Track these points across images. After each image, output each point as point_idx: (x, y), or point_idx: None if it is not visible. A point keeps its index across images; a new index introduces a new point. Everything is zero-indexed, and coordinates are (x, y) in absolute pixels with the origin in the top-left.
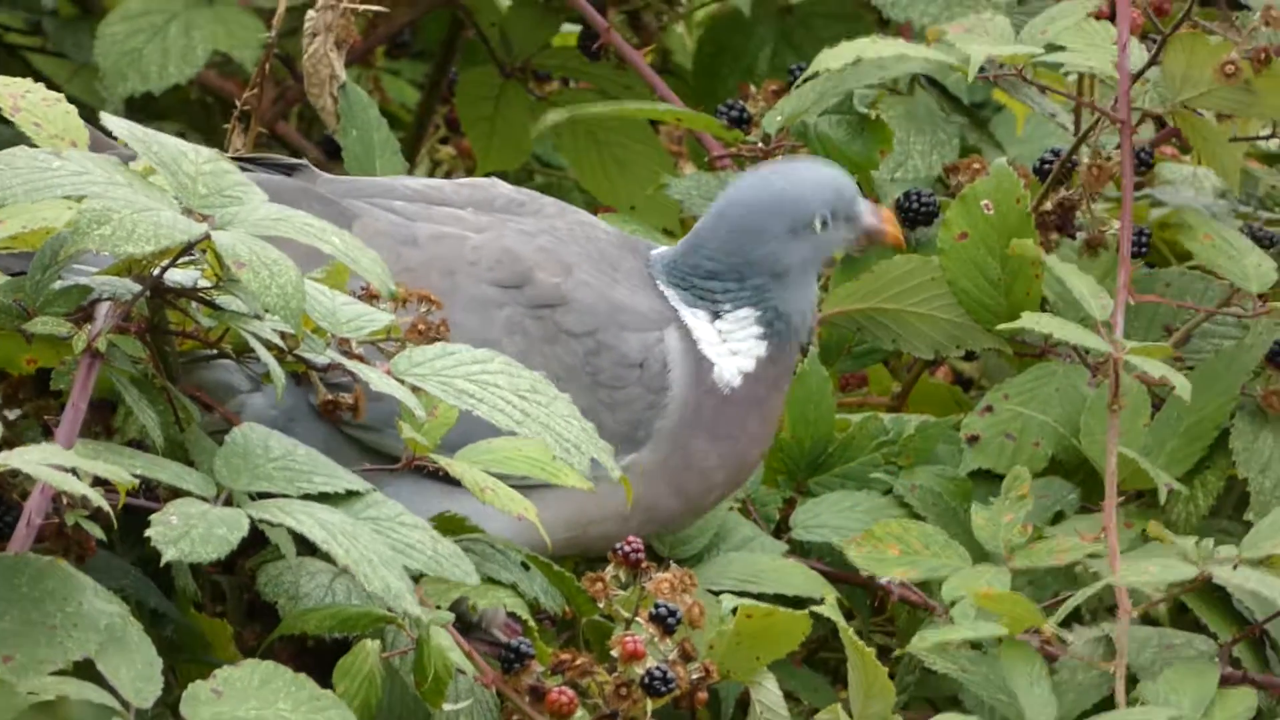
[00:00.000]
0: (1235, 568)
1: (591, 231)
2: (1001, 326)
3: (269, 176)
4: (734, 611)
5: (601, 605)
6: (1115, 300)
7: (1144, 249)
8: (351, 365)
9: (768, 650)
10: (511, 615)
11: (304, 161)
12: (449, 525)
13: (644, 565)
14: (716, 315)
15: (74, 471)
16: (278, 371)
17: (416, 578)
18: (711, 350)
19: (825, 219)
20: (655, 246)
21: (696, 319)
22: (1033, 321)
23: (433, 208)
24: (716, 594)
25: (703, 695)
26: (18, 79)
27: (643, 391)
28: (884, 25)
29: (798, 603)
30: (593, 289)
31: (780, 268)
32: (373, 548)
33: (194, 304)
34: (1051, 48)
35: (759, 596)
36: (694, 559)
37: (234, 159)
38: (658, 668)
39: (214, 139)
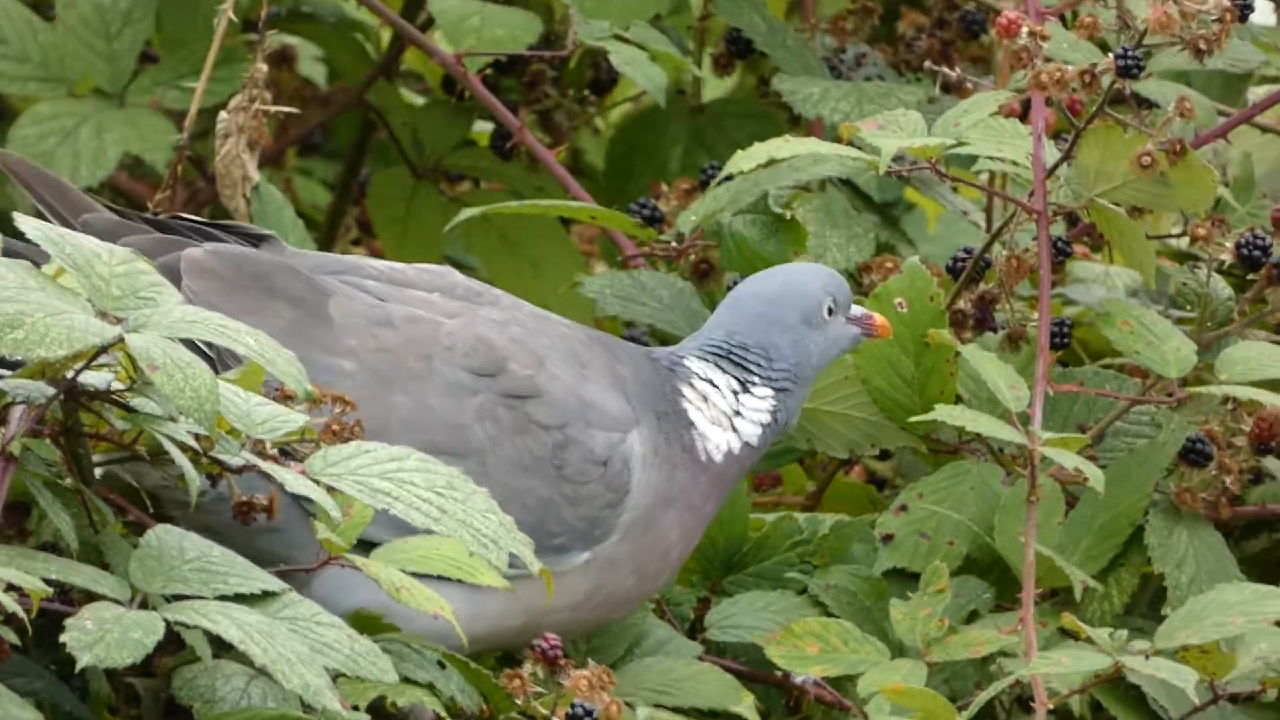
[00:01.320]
0: (1148, 658)
1: (552, 326)
2: (915, 419)
3: (250, 251)
4: None
5: (519, 703)
6: (1033, 391)
7: (1065, 340)
8: (266, 466)
9: None
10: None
11: (271, 233)
12: (365, 624)
13: (562, 663)
14: (745, 388)
15: None
16: (191, 473)
17: (334, 677)
18: (704, 417)
19: (831, 306)
20: (620, 343)
21: (724, 385)
22: (947, 415)
23: (404, 290)
24: (632, 706)
25: None
26: None
27: (603, 490)
28: (795, 123)
29: (713, 713)
30: (563, 384)
31: (804, 355)
32: (290, 647)
33: (108, 406)
34: (962, 145)
35: (674, 708)
36: (611, 665)
37: (205, 224)
38: None
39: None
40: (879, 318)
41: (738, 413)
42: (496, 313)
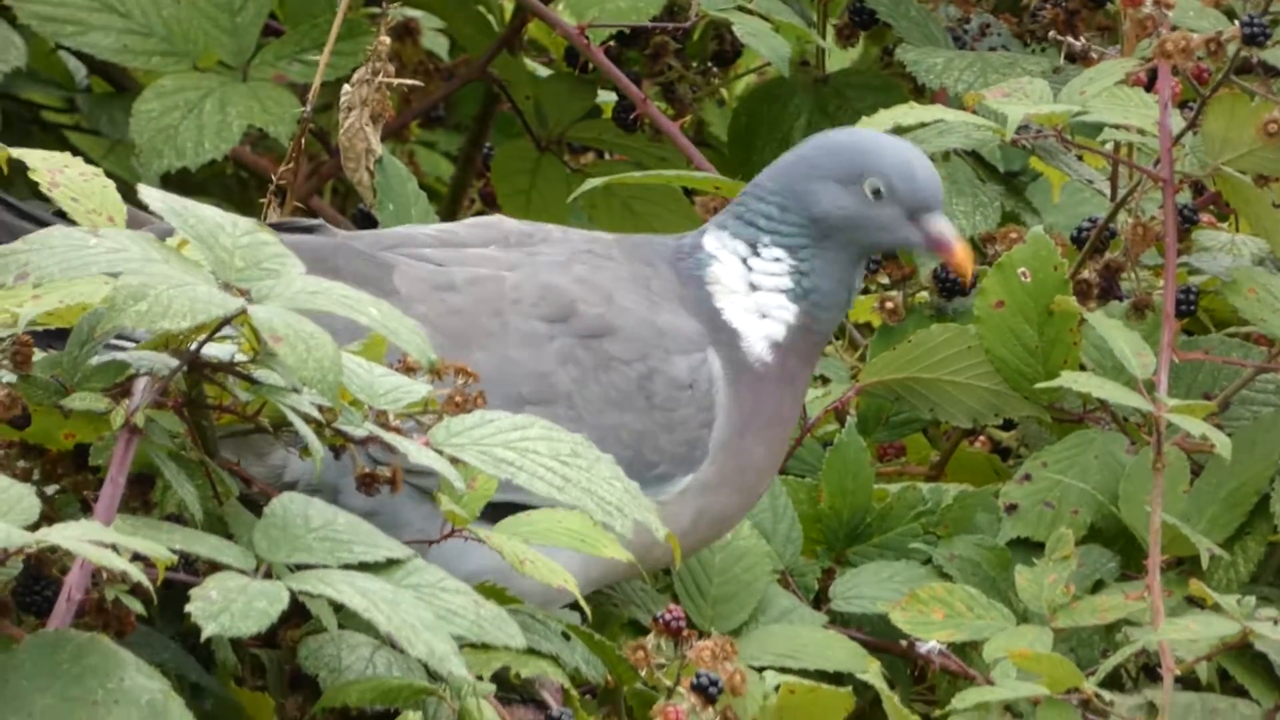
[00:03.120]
0: (1276, 624)
1: (608, 249)
2: (1041, 385)
3: (305, 238)
4: (776, 688)
5: (643, 674)
6: (1159, 359)
7: (1191, 307)
8: (389, 438)
9: None
10: None
11: (320, 221)
12: (489, 595)
13: (685, 634)
14: (754, 250)
15: (113, 547)
16: (316, 445)
17: (460, 647)
18: (740, 314)
19: (879, 188)
20: (667, 244)
21: (731, 261)
22: (1072, 381)
23: (462, 250)
24: (758, 669)
25: None
26: (56, 154)
27: (695, 411)
28: (919, 93)
29: (839, 677)
30: (635, 315)
31: (817, 210)
32: (415, 614)
33: (231, 378)
34: (1087, 113)
35: (800, 671)
36: (734, 632)
37: None
38: None
39: (250, 214)
40: (960, 249)
41: (754, 286)
42: (555, 252)
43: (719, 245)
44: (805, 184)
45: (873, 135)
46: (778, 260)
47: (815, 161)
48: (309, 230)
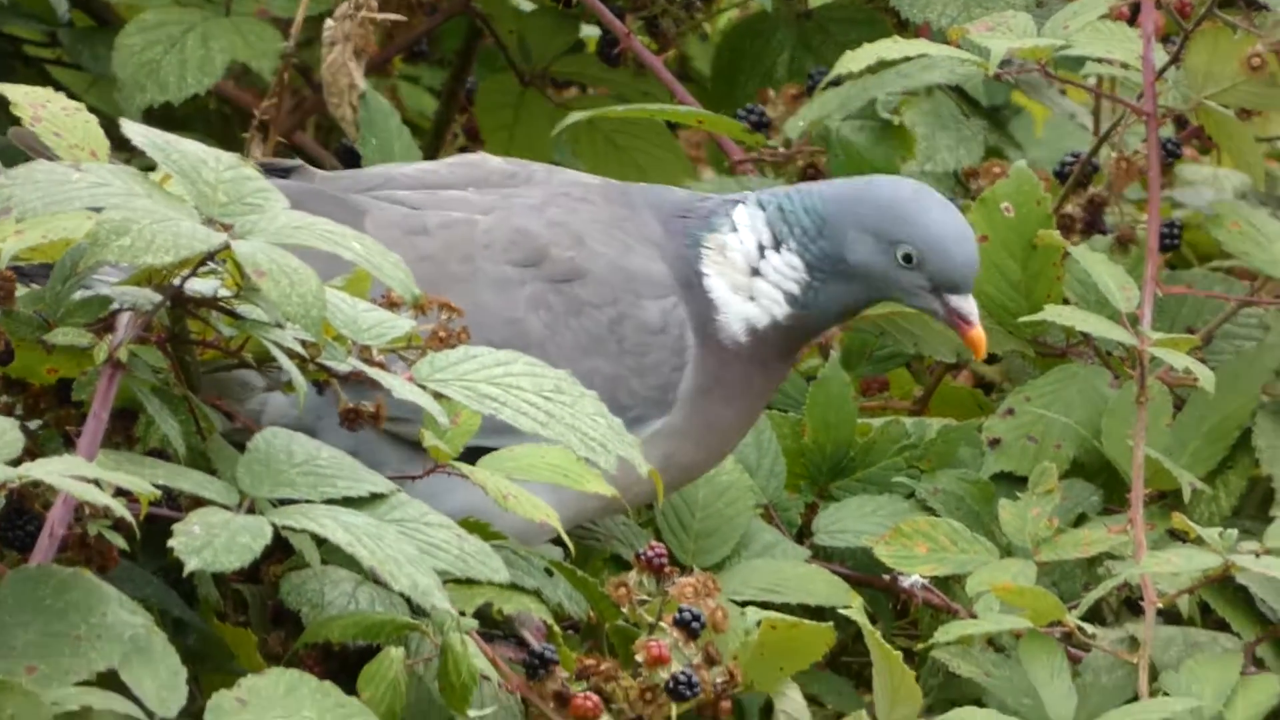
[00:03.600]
0: (1258, 557)
1: (587, 192)
2: (1024, 319)
3: (279, 182)
4: (758, 624)
5: (625, 610)
6: (1143, 292)
7: (1175, 241)
8: (373, 373)
9: (791, 661)
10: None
11: (298, 163)
12: (473, 530)
13: (667, 570)
14: (776, 245)
15: (96, 482)
16: (300, 380)
17: (444, 582)
18: (725, 289)
19: (911, 255)
20: (672, 196)
21: (747, 239)
22: (1056, 315)
23: (437, 193)
24: (740, 604)
25: (726, 704)
26: (38, 88)
27: (667, 355)
28: (903, 28)
29: (821, 612)
30: (606, 259)
31: (844, 253)
32: (398, 548)
33: (215, 313)
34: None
35: (782, 606)
36: (716, 566)
37: None
38: (682, 672)
39: (232, 149)
40: (977, 330)
41: (756, 271)
42: (533, 194)
43: (746, 220)
44: (845, 225)
45: (924, 198)
46: (793, 268)
47: (861, 210)
48: (286, 173)
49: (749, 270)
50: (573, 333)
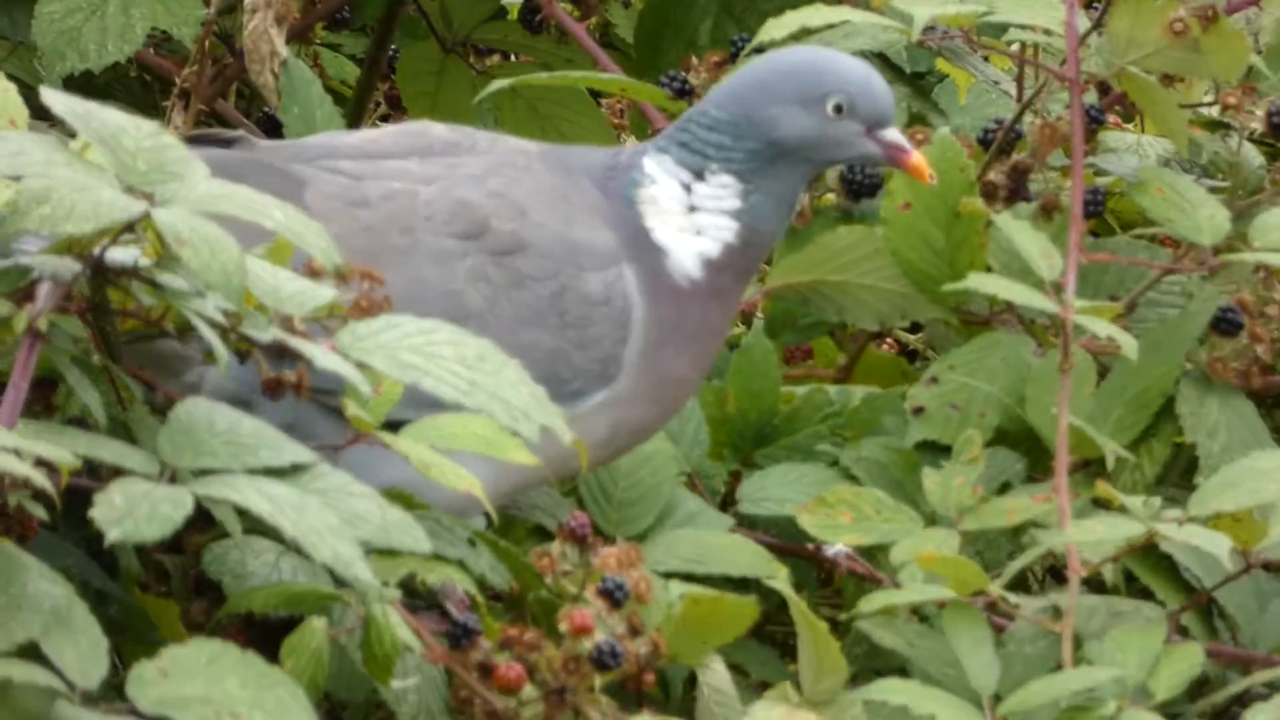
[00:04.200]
0: (1181, 525)
1: (529, 161)
2: (948, 286)
3: (218, 152)
4: (681, 597)
5: (548, 581)
6: (1066, 260)
7: (1099, 208)
8: (295, 342)
9: (715, 635)
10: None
11: (241, 133)
12: (396, 501)
13: (590, 540)
14: (700, 176)
15: (16, 452)
16: (220, 349)
17: (366, 553)
18: (671, 233)
19: (841, 104)
20: (596, 157)
21: (670, 185)
22: (979, 283)
23: (379, 163)
24: (664, 576)
25: (650, 676)
26: None
27: (611, 328)
28: None
29: (745, 580)
30: (549, 230)
31: (776, 134)
32: (321, 518)
33: (135, 282)
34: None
35: (705, 578)
36: (640, 536)
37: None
38: (606, 642)
39: (153, 118)
40: (916, 156)
41: (693, 208)
42: (476, 163)
43: (659, 169)
44: (763, 109)
45: (828, 54)
46: (725, 186)
47: (772, 86)
48: (229, 143)
49: (686, 209)
50: (513, 305)
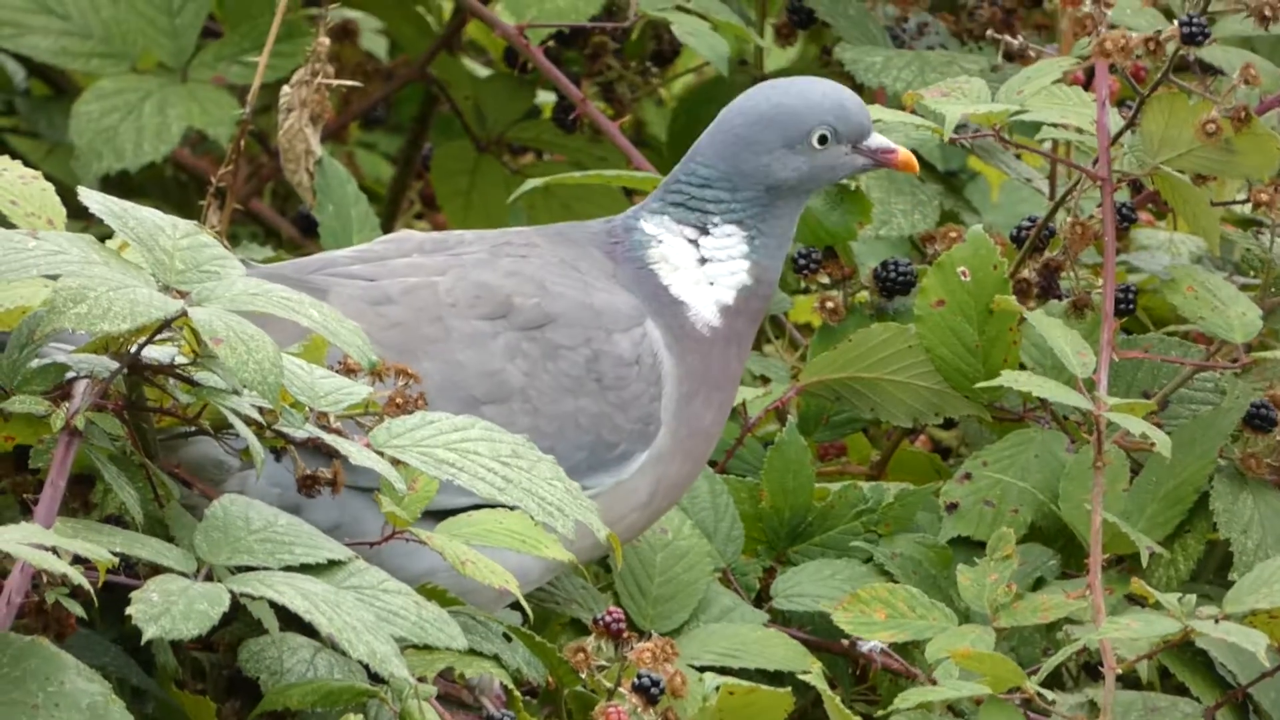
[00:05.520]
0: (1217, 623)
1: (527, 238)
2: (981, 384)
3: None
4: (716, 689)
5: (584, 676)
6: (1099, 357)
7: (1130, 306)
8: (330, 439)
9: None
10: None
11: (243, 257)
12: (431, 596)
13: (625, 635)
14: (704, 231)
15: (54, 550)
16: (256, 447)
17: (402, 649)
18: (688, 287)
19: (825, 135)
20: (592, 227)
21: (676, 243)
22: (1012, 380)
23: (386, 263)
24: (699, 669)
25: None
26: None
27: (646, 385)
28: (858, 93)
29: (780, 676)
30: (570, 299)
31: (772, 181)
32: (356, 615)
33: (171, 380)
34: (1025, 112)
35: (740, 672)
36: (674, 632)
37: None
38: None
39: (189, 216)
40: (902, 152)
41: (704, 260)
42: (479, 249)
43: (661, 230)
44: (752, 161)
45: (795, 89)
46: (730, 235)
47: (755, 138)
48: None
49: (698, 262)
50: (551, 376)
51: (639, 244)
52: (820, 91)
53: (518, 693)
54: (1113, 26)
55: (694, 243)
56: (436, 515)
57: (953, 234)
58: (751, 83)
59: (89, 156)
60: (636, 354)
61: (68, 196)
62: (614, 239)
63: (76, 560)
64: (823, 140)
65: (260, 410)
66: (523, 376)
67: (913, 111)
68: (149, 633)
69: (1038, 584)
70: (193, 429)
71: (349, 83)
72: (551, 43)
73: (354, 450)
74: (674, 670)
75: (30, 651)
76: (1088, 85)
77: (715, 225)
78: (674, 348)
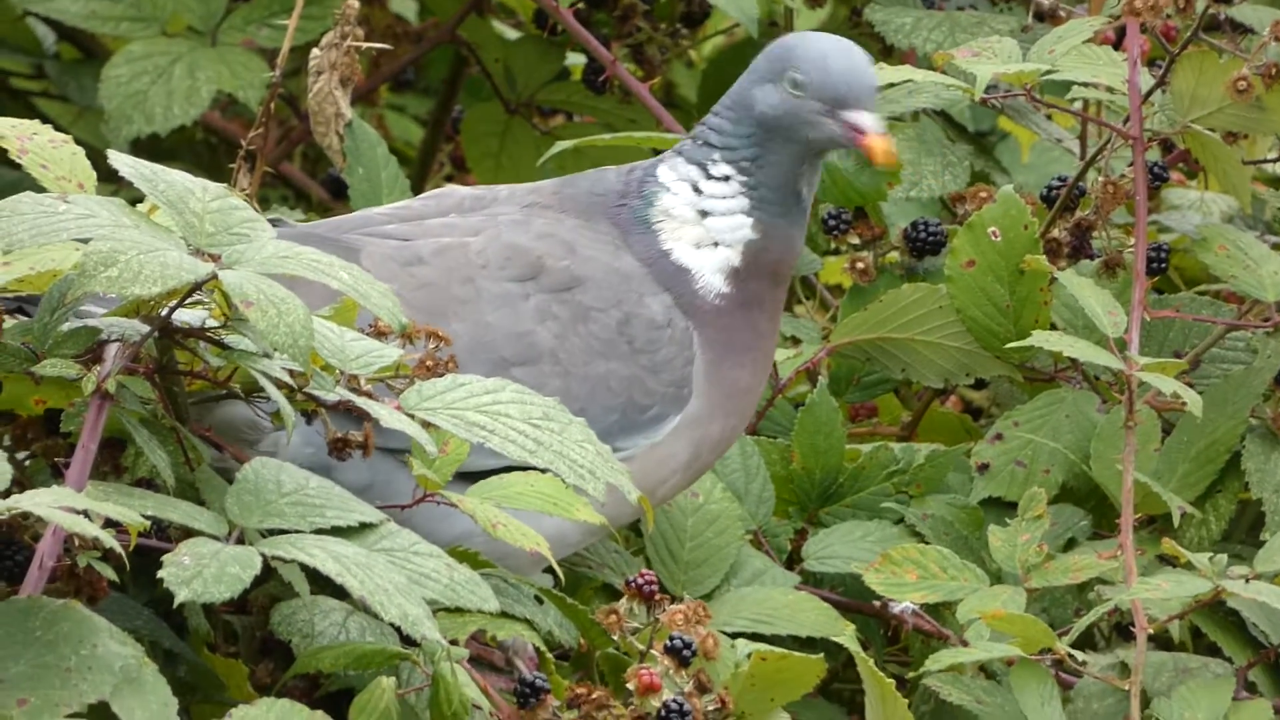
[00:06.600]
0: (1248, 582)
1: (550, 200)
2: (1012, 345)
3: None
4: (748, 655)
5: (616, 638)
6: (1130, 317)
7: (1163, 265)
8: (361, 402)
9: (782, 692)
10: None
11: (277, 215)
12: (462, 559)
13: (658, 598)
14: (705, 172)
15: (85, 513)
16: (288, 410)
17: (434, 611)
18: (690, 251)
19: (797, 80)
20: (607, 184)
21: (682, 189)
22: (1043, 340)
23: (421, 223)
24: (731, 635)
25: None
26: (25, 120)
27: (676, 350)
28: (888, 54)
29: (811, 641)
30: (600, 263)
31: (756, 111)
32: (388, 578)
33: (202, 343)
34: (1056, 71)
35: (772, 638)
36: (706, 595)
37: None
38: (674, 700)
39: (220, 179)
40: (873, 138)
41: (705, 212)
42: (512, 209)
43: (672, 174)
44: (748, 90)
45: (807, 34)
46: (727, 179)
47: (755, 68)
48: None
49: (699, 216)
50: (582, 339)
51: (647, 200)
52: (819, 44)
53: (550, 655)
54: None
55: (696, 188)
56: (469, 478)
57: (983, 194)
58: None
59: (119, 120)
60: (668, 316)
61: (98, 160)
62: (622, 200)
63: (108, 524)
64: (796, 85)
65: (291, 373)
66: (553, 339)
67: (943, 72)
68: (181, 596)
69: (1069, 544)
70: (223, 392)
71: (379, 45)
72: (581, 4)
73: (385, 413)
74: (706, 632)
75: (63, 615)
76: (1118, 45)
77: (714, 163)
78: (691, 318)
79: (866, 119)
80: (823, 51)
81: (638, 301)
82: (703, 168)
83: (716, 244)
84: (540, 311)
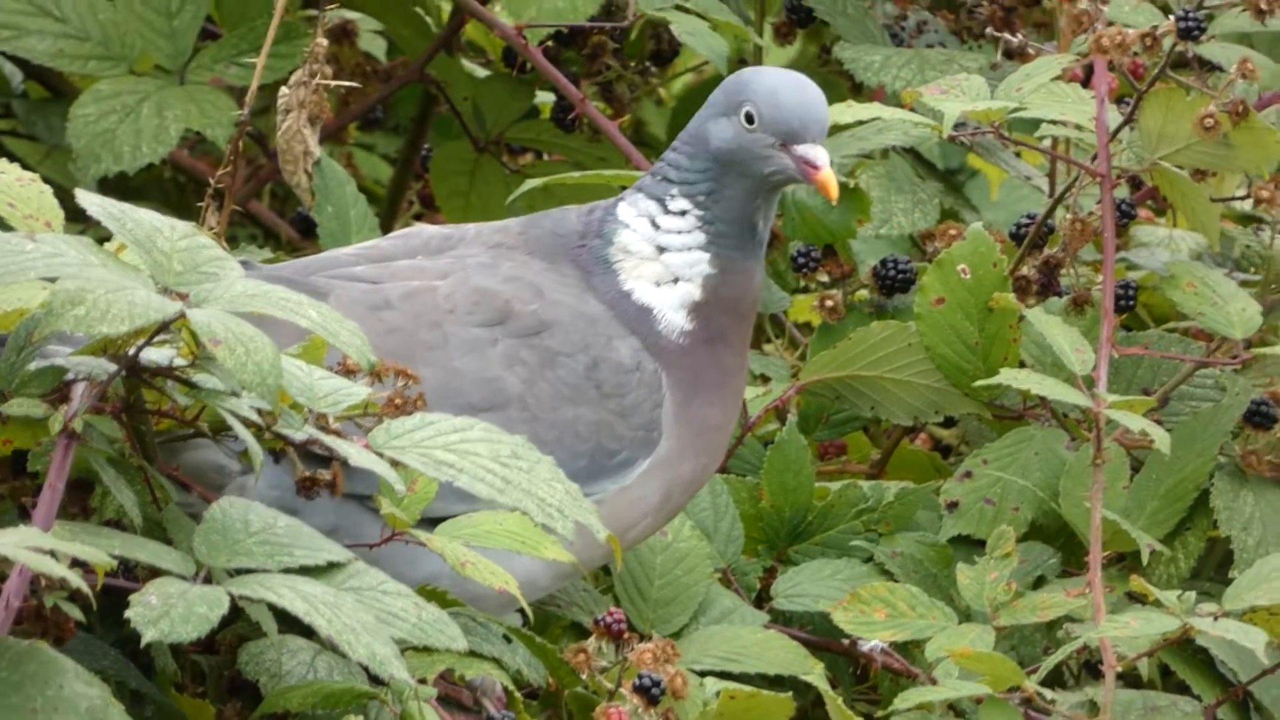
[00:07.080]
0: (1216, 620)
1: (517, 243)
2: (980, 383)
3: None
4: (717, 694)
5: (584, 677)
6: (1098, 354)
7: (1130, 302)
8: (329, 440)
9: None
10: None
11: (245, 259)
12: (431, 598)
13: (626, 636)
14: (663, 207)
15: (52, 553)
16: (255, 449)
17: (402, 651)
18: (650, 290)
19: (750, 114)
20: (568, 224)
21: (641, 225)
22: (1012, 378)
23: (389, 265)
24: (699, 674)
25: None
26: None
27: (646, 394)
28: (857, 91)
29: (781, 679)
30: (567, 306)
31: (712, 146)
32: (356, 617)
33: (170, 382)
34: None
35: (741, 676)
36: (675, 634)
37: None
38: None
39: (188, 218)
40: (825, 173)
41: (662, 248)
42: (479, 251)
43: (631, 210)
44: (704, 124)
45: (762, 69)
46: (684, 213)
47: (711, 101)
48: None
49: (656, 252)
50: (550, 384)
51: (606, 239)
52: (773, 78)
53: (518, 694)
54: (1110, 23)
55: (654, 223)
56: (435, 523)
57: (952, 231)
58: None
59: (87, 159)
60: (636, 360)
61: (65, 199)
62: (582, 241)
63: (75, 563)
64: (749, 119)
65: (259, 412)
66: (521, 384)
67: (912, 109)
68: (148, 636)
69: (1038, 582)
70: (191, 431)
71: (347, 83)
72: (550, 43)
73: (353, 451)
74: (675, 671)
75: (29, 656)
76: (1086, 82)
77: (672, 198)
78: (658, 358)
79: (818, 153)
80: (775, 86)
81: (606, 345)
82: (661, 203)
83: (676, 280)
84: (508, 357)
